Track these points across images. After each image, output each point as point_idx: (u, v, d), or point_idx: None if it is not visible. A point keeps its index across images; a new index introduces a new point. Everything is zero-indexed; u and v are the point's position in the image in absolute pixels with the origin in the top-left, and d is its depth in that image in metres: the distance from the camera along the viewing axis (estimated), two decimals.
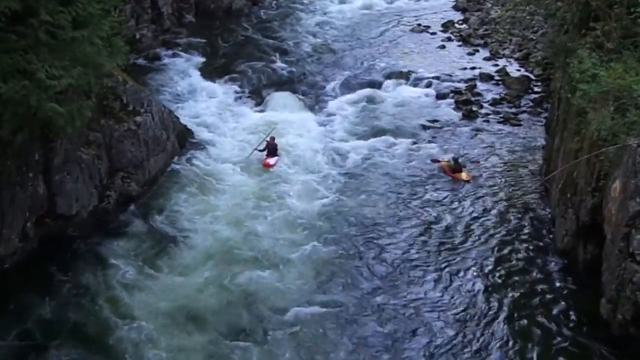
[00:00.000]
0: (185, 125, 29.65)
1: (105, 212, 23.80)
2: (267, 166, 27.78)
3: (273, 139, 28.63)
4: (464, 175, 27.77)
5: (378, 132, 31.57)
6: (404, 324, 19.89)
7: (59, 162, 22.12)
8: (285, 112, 33.14)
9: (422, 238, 23.86)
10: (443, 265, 22.43)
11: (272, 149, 28.36)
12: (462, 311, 20.39)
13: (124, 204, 24.47)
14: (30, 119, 19.25)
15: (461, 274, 21.97)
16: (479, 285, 21.44)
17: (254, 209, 25.19)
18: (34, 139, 21.00)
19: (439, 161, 28.76)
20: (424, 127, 32.31)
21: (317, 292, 21.12)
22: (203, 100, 33.45)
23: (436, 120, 32.96)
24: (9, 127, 19.27)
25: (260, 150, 28.54)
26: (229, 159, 28.46)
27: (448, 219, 24.96)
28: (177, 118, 29.38)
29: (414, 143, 30.66)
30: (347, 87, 36.12)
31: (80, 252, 22.18)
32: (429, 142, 30.89)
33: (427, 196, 26.51)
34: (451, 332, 19.58)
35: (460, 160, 28.35)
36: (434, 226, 24.56)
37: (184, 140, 29.02)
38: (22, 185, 20.93)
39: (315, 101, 34.78)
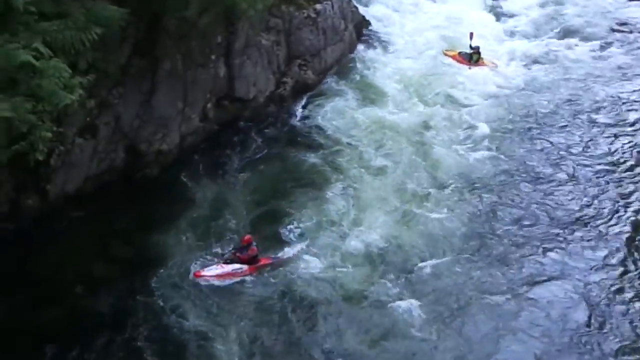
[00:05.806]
0: (363, 16, 29.11)
1: (281, 98, 24.02)
2: (197, 275, 17.57)
3: (248, 239, 18.10)
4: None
5: (561, 34, 30.16)
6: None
7: (239, 46, 22.42)
8: (465, 7, 31.85)
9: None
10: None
11: (245, 254, 18.02)
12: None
13: (299, 92, 24.58)
14: (215, 1, 19.42)
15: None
16: None
17: (425, 103, 24.69)
18: (217, 22, 21.29)
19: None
20: (612, 30, 30.57)
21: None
22: None
23: (626, 24, 31.14)
24: (195, 8, 19.58)
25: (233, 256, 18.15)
26: (405, 54, 27.75)
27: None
28: (356, 8, 28.87)
29: (600, 48, 28.99)
30: None
31: (255, 136, 22.52)
32: (617, 47, 29.15)
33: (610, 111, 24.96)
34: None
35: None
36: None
37: (361, 31, 28.55)
38: (204, 67, 21.52)
39: None
